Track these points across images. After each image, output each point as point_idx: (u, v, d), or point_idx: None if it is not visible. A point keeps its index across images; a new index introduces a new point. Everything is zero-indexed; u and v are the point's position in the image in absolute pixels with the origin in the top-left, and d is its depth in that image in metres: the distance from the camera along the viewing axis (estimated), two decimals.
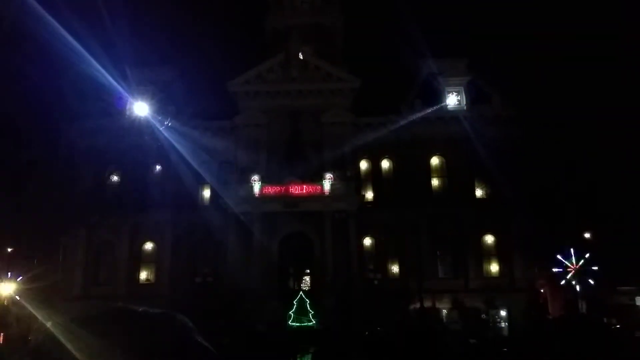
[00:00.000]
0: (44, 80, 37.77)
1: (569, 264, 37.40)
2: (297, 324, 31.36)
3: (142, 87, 40.64)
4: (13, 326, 28.01)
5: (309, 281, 36.63)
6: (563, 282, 37.25)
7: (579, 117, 36.37)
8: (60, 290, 36.66)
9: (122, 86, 40.83)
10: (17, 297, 32.57)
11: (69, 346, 1.68)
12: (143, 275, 38.15)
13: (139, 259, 38.26)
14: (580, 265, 37.01)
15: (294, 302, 32.13)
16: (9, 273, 33.99)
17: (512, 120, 38.29)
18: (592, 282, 36.52)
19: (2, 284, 32.70)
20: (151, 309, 1.80)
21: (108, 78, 36.83)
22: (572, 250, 37.33)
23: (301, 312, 31.89)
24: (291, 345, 27.84)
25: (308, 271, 36.74)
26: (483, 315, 34.67)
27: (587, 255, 36.97)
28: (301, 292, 33.14)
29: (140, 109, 39.15)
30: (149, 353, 1.66)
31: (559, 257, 37.47)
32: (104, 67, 35.51)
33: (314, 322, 31.49)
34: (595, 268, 36.63)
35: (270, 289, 34.99)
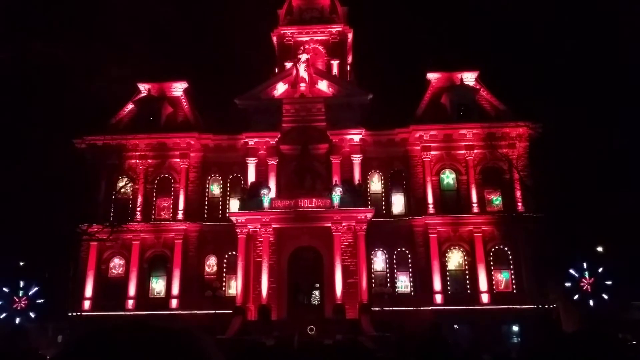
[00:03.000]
0: (57, 93, 38.36)
1: (582, 278, 36.84)
2: (307, 340, 31.08)
3: (154, 102, 41.16)
4: (25, 340, 28.12)
5: (318, 295, 36.44)
6: (576, 296, 36.66)
7: (592, 129, 36.10)
8: (70, 304, 36.78)
9: (133, 100, 41.51)
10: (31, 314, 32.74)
11: None
12: (153, 288, 38.19)
13: (149, 273, 38.37)
14: (594, 280, 36.45)
15: (304, 317, 31.93)
16: (21, 284, 34.19)
17: (523, 134, 38.22)
18: (606, 297, 35.92)
19: (15, 296, 32.92)
20: (172, 326, 1.75)
21: (120, 92, 37.43)
22: (585, 264, 36.80)
23: (311, 328, 31.65)
24: None
25: (317, 285, 36.57)
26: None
27: (600, 270, 36.42)
28: (311, 307, 32.95)
29: (152, 124, 39.61)
30: None
31: (571, 271, 36.94)
32: (115, 80, 36.14)
33: (324, 337, 31.18)
34: (609, 282, 36.05)
35: (279, 304, 34.87)
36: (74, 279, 37.47)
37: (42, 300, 34.22)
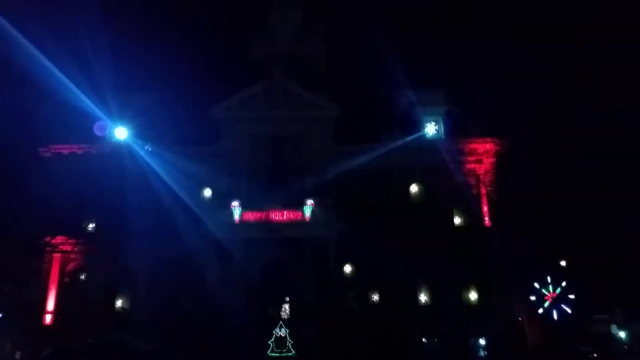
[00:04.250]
0: (23, 105, 37.43)
1: (546, 292, 37.81)
2: (276, 354, 30.88)
3: (122, 112, 40.42)
4: None
5: (288, 309, 36.23)
6: (540, 310, 37.56)
7: (558, 142, 37.44)
8: (32, 317, 35.48)
9: (101, 111, 40.66)
10: None
11: None
12: (119, 302, 37.13)
13: (115, 286, 37.33)
14: (557, 294, 37.44)
15: (273, 331, 31.70)
16: None
17: (490, 150, 39.21)
18: (568, 310, 36.91)
19: None
20: (144, 344, 1.76)
21: (87, 103, 36.69)
22: (549, 278, 37.79)
23: (280, 342, 31.43)
24: None
25: (288, 299, 36.38)
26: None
27: (564, 283, 37.46)
28: (280, 321, 32.76)
29: (120, 133, 38.90)
30: None
31: (536, 285, 37.87)
32: (83, 91, 35.45)
33: (293, 352, 31.04)
34: (572, 296, 37.10)
35: (249, 317, 34.42)
36: (36, 293, 36.20)
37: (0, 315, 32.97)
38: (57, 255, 36.02)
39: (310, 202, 35.37)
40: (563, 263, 39.90)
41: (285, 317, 35.83)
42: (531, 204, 38.10)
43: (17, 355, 35.68)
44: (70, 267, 37.23)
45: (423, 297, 37.16)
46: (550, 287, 37.64)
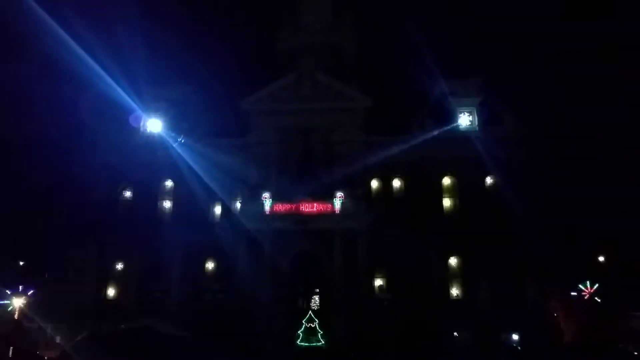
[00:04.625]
0: (59, 97, 38.52)
1: (583, 288, 36.75)
2: (306, 344, 31.10)
3: (156, 104, 41.17)
4: (23, 340, 28.08)
5: (318, 300, 36.37)
6: (577, 306, 36.54)
7: (594, 135, 36.11)
8: (69, 305, 36.67)
9: (136, 103, 41.53)
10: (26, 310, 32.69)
11: None
12: (152, 291, 38.02)
13: (148, 275, 38.25)
14: (595, 290, 36.34)
15: (303, 321, 31.92)
16: (20, 287, 34.12)
17: (524, 141, 38.11)
18: (606, 306, 35.79)
19: (14, 297, 32.84)
20: (175, 331, 1.74)
21: (122, 95, 37.56)
22: (587, 274, 36.69)
23: (310, 332, 31.63)
24: None
25: (317, 290, 36.51)
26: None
27: (602, 279, 36.30)
28: (310, 312, 32.95)
29: (154, 125, 39.66)
30: None
31: (573, 280, 36.84)
32: (118, 84, 36.30)
33: (323, 342, 31.19)
34: (610, 292, 35.93)
35: (279, 308, 34.77)
36: (74, 281, 37.41)
37: (41, 301, 34.17)
38: (93, 246, 37.04)
39: (340, 194, 35.26)
40: (602, 258, 38.64)
41: (315, 308, 36.01)
42: (566, 198, 36.96)
43: (58, 339, 36.99)
44: (106, 257, 38.22)
45: (455, 291, 36.67)
46: (588, 283, 36.55)
